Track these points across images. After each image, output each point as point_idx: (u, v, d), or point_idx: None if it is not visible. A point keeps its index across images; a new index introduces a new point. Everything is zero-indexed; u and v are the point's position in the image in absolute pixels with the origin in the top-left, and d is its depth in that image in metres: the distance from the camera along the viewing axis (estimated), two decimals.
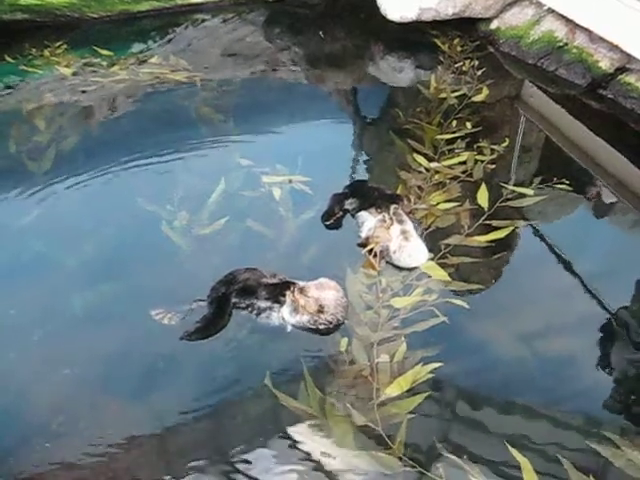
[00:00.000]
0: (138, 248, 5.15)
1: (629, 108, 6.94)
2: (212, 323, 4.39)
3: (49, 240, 5.22)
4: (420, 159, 6.09)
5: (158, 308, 4.47)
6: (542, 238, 5.32)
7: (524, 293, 4.82)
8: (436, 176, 5.87)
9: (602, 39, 7.48)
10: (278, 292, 4.45)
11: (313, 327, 4.36)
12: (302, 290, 4.42)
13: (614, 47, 7.34)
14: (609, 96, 7.19)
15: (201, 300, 4.53)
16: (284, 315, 4.40)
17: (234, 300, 4.47)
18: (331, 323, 4.35)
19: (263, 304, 4.44)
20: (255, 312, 4.45)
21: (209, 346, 4.28)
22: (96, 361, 4.18)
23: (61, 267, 4.92)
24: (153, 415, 3.88)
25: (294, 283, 4.48)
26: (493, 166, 6.06)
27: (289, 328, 4.40)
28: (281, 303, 4.42)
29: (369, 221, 5.15)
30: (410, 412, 3.80)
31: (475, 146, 6.33)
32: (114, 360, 4.20)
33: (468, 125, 6.68)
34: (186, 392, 4.00)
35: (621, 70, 7.26)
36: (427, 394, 3.91)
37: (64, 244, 5.16)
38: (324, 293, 4.41)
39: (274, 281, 4.52)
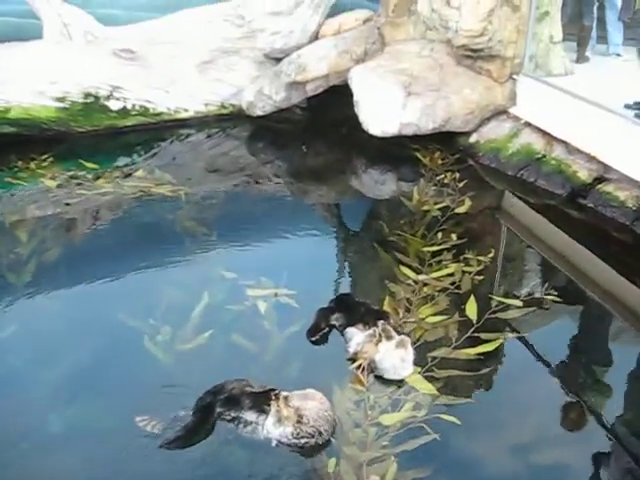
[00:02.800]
0: (119, 364, 5.00)
1: (609, 217, 7.05)
2: (193, 432, 4.28)
3: (26, 355, 5.07)
4: (407, 271, 6.08)
5: (143, 415, 4.35)
6: (531, 349, 5.25)
7: (515, 406, 4.72)
8: (424, 288, 5.84)
9: (579, 150, 7.68)
10: (263, 401, 4.33)
11: (296, 441, 4.20)
12: (286, 399, 4.29)
13: (591, 158, 7.53)
14: (589, 205, 7.31)
15: (186, 409, 4.41)
16: (268, 426, 4.26)
17: (219, 410, 4.36)
18: (312, 436, 4.18)
19: (248, 416, 4.31)
20: (241, 425, 4.32)
21: (192, 468, 4.09)
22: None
23: (38, 383, 4.76)
24: None
25: (278, 392, 4.35)
26: (480, 277, 6.05)
27: (274, 443, 4.24)
28: (266, 413, 4.28)
29: (357, 336, 5.07)
30: None
31: (462, 257, 6.34)
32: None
33: (453, 237, 6.71)
34: None
35: (599, 180, 7.42)
36: None
37: (42, 359, 5.01)
38: (306, 403, 4.29)
39: (258, 390, 4.42)
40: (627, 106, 7.32)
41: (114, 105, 9.31)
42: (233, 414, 4.35)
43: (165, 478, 4.06)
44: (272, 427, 4.26)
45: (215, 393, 4.45)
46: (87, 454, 4.18)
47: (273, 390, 4.37)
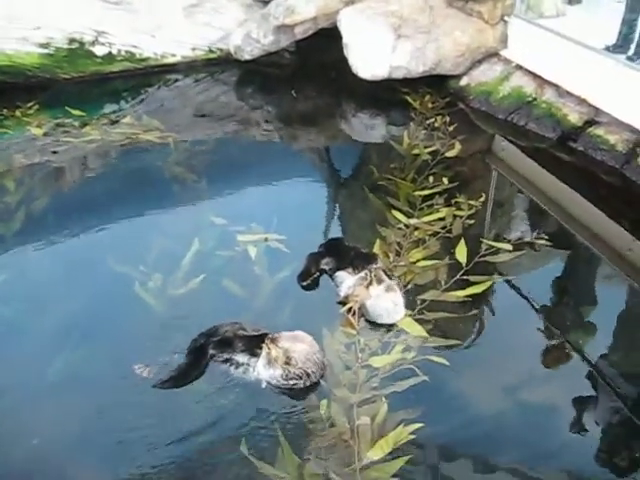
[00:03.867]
0: (111, 310, 5.03)
1: (599, 160, 7.05)
2: (186, 373, 4.35)
3: (18, 304, 5.09)
4: (398, 215, 6.10)
5: (139, 363, 4.40)
6: (519, 291, 5.29)
7: (503, 347, 4.78)
8: (415, 232, 5.86)
9: (570, 93, 7.63)
10: (255, 344, 4.38)
11: (285, 382, 4.27)
12: (274, 340, 4.36)
13: (582, 101, 7.49)
14: (579, 148, 7.30)
15: (180, 353, 4.47)
16: (259, 368, 4.33)
17: (212, 352, 4.41)
18: (300, 378, 4.26)
19: (240, 358, 4.37)
20: (233, 366, 4.38)
21: (185, 410, 4.17)
22: (69, 428, 4.06)
23: (31, 332, 4.79)
24: None
25: (269, 334, 4.42)
26: (471, 221, 6.07)
27: (264, 384, 4.31)
28: (257, 356, 4.34)
29: (348, 280, 5.09)
30: (393, 476, 3.70)
31: (453, 202, 6.36)
32: (87, 426, 4.07)
33: (444, 180, 6.72)
34: (161, 459, 3.86)
35: (590, 123, 7.39)
36: (409, 456, 3.81)
37: (34, 308, 5.03)
38: (295, 345, 4.36)
39: (251, 333, 4.46)
40: (606, 48, 7.28)
41: (99, 51, 9.15)
42: (226, 356, 4.40)
43: (158, 418, 4.11)
44: (262, 369, 4.32)
45: (209, 335, 4.49)
46: (81, 400, 4.23)
47: (266, 334, 4.42)
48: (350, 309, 4.87)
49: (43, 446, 3.92)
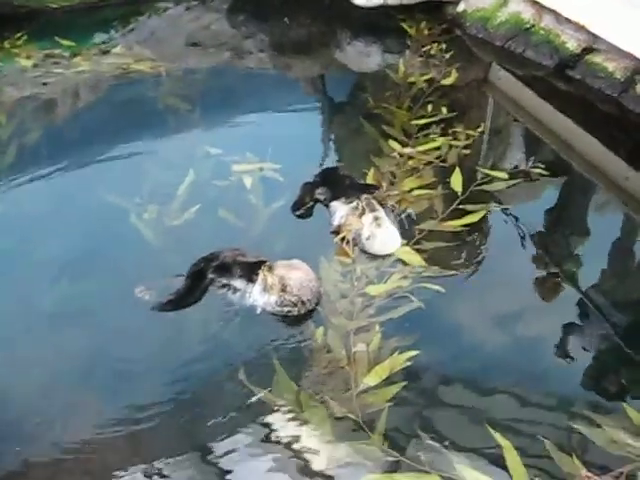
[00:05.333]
0: (108, 242, 5.03)
1: (596, 88, 6.96)
2: (185, 296, 4.40)
3: (14, 236, 5.11)
4: (393, 144, 6.05)
5: (140, 286, 4.45)
6: (515, 221, 5.30)
7: (499, 276, 4.81)
8: (409, 162, 5.83)
9: (568, 20, 7.49)
10: (252, 271, 4.42)
11: (279, 309, 4.32)
12: (270, 268, 4.40)
13: (580, 28, 7.36)
14: (577, 77, 7.20)
15: (180, 275, 4.52)
16: (255, 294, 4.37)
17: (211, 276, 4.45)
18: (295, 305, 4.30)
19: (238, 283, 4.41)
20: (230, 291, 4.43)
21: (183, 336, 4.24)
22: (69, 357, 4.11)
23: (28, 264, 4.79)
24: (128, 410, 3.78)
25: (267, 262, 4.45)
26: (467, 151, 6.03)
27: (259, 310, 4.36)
28: (254, 282, 4.39)
29: (341, 210, 5.10)
30: (389, 401, 3.76)
31: (450, 131, 6.30)
32: (88, 355, 4.11)
33: (440, 110, 6.64)
34: (160, 384, 3.92)
35: (588, 50, 7.27)
36: (405, 382, 3.87)
37: (30, 240, 5.03)
38: (290, 273, 4.39)
39: (249, 259, 4.49)
40: None
41: None
42: (224, 281, 4.45)
43: (156, 346, 4.18)
44: (258, 295, 4.36)
45: (209, 260, 4.53)
46: (79, 329, 4.28)
47: (264, 261, 4.45)
48: (344, 238, 4.87)
49: (42, 378, 3.98)
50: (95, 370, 4.04)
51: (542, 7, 7.84)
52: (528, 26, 7.87)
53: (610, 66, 6.97)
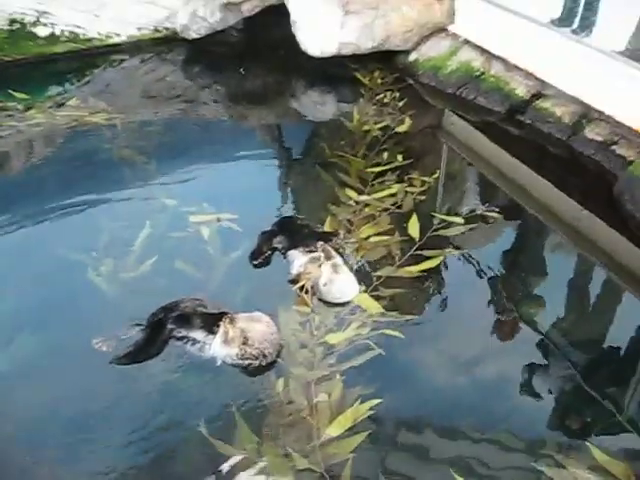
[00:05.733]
0: (64, 297, 4.96)
1: (546, 132, 7.14)
2: (143, 348, 4.35)
3: None
4: (349, 192, 6.11)
5: (98, 337, 4.40)
6: (472, 265, 5.35)
7: (458, 320, 4.84)
8: (366, 209, 5.87)
9: (517, 67, 7.71)
10: (213, 322, 4.38)
11: (240, 362, 4.28)
12: (232, 320, 4.36)
13: (529, 74, 7.58)
14: (527, 121, 7.38)
15: (139, 325, 4.48)
16: (215, 347, 4.33)
17: (170, 327, 4.41)
18: (257, 358, 4.27)
19: (198, 335, 4.37)
20: (189, 343, 4.38)
21: (142, 390, 4.16)
22: (22, 417, 4.00)
23: None
24: (86, 473, 3.69)
25: (228, 313, 4.41)
26: (423, 197, 6.10)
27: (219, 362, 4.31)
28: (215, 334, 4.35)
29: (299, 258, 5.10)
30: (353, 451, 3.73)
31: (406, 177, 6.38)
32: (43, 415, 4.02)
33: (395, 157, 6.73)
34: (119, 442, 3.83)
35: (537, 96, 7.48)
36: (369, 431, 3.85)
37: None
38: (251, 325, 4.36)
39: (210, 311, 4.46)
40: (552, 21, 7.37)
41: (42, 31, 8.96)
42: (183, 332, 4.41)
43: (114, 399, 4.11)
44: (219, 347, 4.32)
45: (168, 309, 4.50)
46: (33, 386, 4.19)
47: (225, 313, 4.42)
48: (302, 287, 4.87)
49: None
50: (50, 431, 3.94)
51: (491, 55, 8.06)
52: (478, 74, 8.06)
53: (558, 111, 7.16)
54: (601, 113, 6.76)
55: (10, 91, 7.98)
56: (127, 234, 5.52)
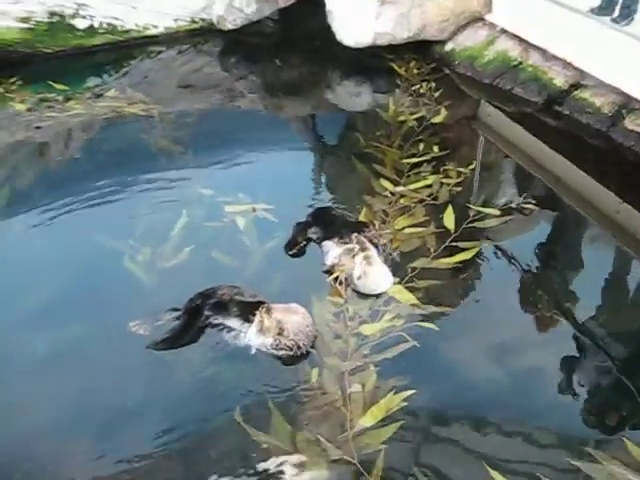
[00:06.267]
0: (101, 285, 5.01)
1: (585, 123, 7.04)
2: (180, 334, 4.40)
3: (8, 279, 5.09)
4: (385, 183, 6.10)
5: (135, 320, 4.48)
6: (508, 257, 5.32)
7: (492, 312, 4.83)
8: (401, 200, 5.86)
9: (555, 57, 7.61)
10: (249, 311, 4.42)
11: (274, 351, 4.32)
12: (268, 311, 4.39)
13: (567, 64, 7.48)
14: (565, 112, 7.28)
15: (176, 310, 4.54)
16: (250, 335, 4.36)
17: (207, 313, 4.46)
18: (291, 349, 4.30)
19: (234, 323, 4.42)
20: (225, 330, 4.43)
21: (178, 377, 4.21)
22: (62, 402, 4.07)
23: (22, 308, 4.77)
24: (122, 456, 3.74)
25: (265, 303, 4.44)
26: (458, 188, 6.08)
27: (253, 350, 4.35)
28: (251, 322, 4.38)
29: (333, 249, 5.11)
30: (386, 442, 3.74)
31: (442, 169, 6.35)
32: (81, 400, 4.09)
33: (431, 148, 6.71)
34: (155, 428, 3.89)
35: (575, 86, 7.38)
36: (402, 422, 3.86)
37: (22, 284, 5.01)
38: (287, 317, 4.38)
39: (247, 299, 4.49)
40: (591, 10, 7.26)
41: (80, 24, 9.04)
42: (220, 319, 4.45)
43: (151, 386, 4.18)
44: (254, 336, 4.36)
45: (206, 296, 4.54)
46: (72, 373, 4.26)
47: (261, 302, 4.45)
48: (337, 278, 4.88)
49: (35, 423, 3.94)
50: (88, 415, 4.00)
51: (529, 45, 7.96)
52: (516, 63, 7.98)
53: (597, 101, 7.06)
54: None
55: (50, 82, 8.10)
56: (164, 223, 5.59)
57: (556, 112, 7.36)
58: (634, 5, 6.96)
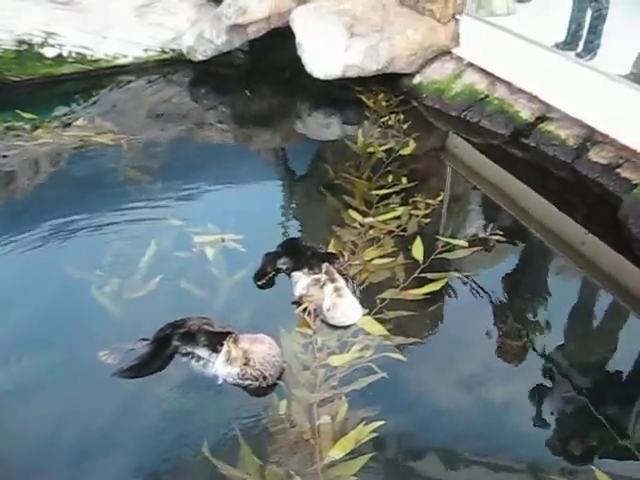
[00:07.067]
0: (69, 317, 4.97)
1: (550, 155, 7.16)
2: (147, 363, 4.38)
3: None
4: (354, 214, 6.12)
5: (104, 349, 4.45)
6: (476, 287, 5.35)
7: (461, 342, 4.84)
8: (370, 231, 5.89)
9: (521, 90, 7.75)
10: (217, 341, 4.40)
11: (240, 382, 4.30)
12: (235, 341, 4.38)
13: (533, 97, 7.61)
14: (531, 144, 7.40)
15: (146, 339, 4.51)
16: (217, 365, 4.35)
17: (176, 344, 4.44)
18: (257, 379, 4.28)
19: (202, 352, 4.41)
20: (194, 359, 4.42)
21: (146, 408, 4.18)
22: (25, 435, 4.01)
23: None
24: None
25: (233, 333, 4.42)
26: (427, 219, 6.12)
27: (220, 380, 4.33)
28: (218, 352, 4.37)
29: (302, 280, 5.11)
30: (356, 474, 3.73)
31: (410, 200, 6.40)
32: (44, 433, 4.03)
33: (400, 179, 6.76)
34: (121, 461, 3.85)
35: (541, 119, 7.51)
36: (372, 453, 3.85)
37: None
38: (254, 347, 4.37)
39: (215, 329, 4.48)
40: (556, 45, 7.42)
41: (49, 52, 9.03)
42: (189, 349, 4.44)
43: (117, 417, 4.12)
44: (221, 366, 4.34)
45: (175, 326, 4.53)
46: (37, 402, 4.20)
47: (229, 332, 4.44)
48: (305, 309, 4.88)
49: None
50: (54, 448, 3.94)
51: (496, 78, 8.11)
52: (482, 96, 8.10)
53: (563, 134, 7.19)
54: (605, 136, 6.79)
55: (18, 111, 8.04)
56: (132, 253, 5.55)
57: (523, 144, 7.47)
58: (597, 40, 7.12)
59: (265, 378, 4.28)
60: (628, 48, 6.59)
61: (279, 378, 4.35)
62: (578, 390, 4.41)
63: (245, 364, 4.28)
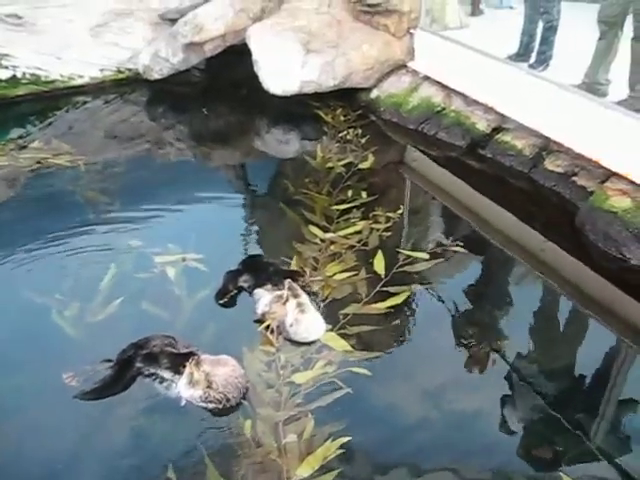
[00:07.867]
0: (30, 341, 4.86)
1: (507, 165, 7.26)
2: (109, 385, 4.33)
3: None
4: (314, 230, 6.13)
5: (68, 372, 4.40)
6: (438, 299, 5.39)
7: (425, 354, 4.86)
8: (331, 246, 5.89)
9: (477, 102, 7.85)
10: (180, 362, 4.35)
11: (204, 404, 4.26)
12: (198, 363, 4.33)
13: (489, 109, 7.71)
14: (488, 155, 7.50)
15: (110, 361, 4.46)
16: (180, 387, 4.30)
17: (139, 365, 4.40)
18: (220, 402, 4.24)
19: (165, 374, 4.36)
20: (157, 381, 4.37)
21: (110, 430, 4.11)
22: None
23: None
24: None
25: (195, 355, 4.38)
26: (388, 233, 6.14)
27: (183, 402, 4.28)
28: (181, 374, 4.32)
29: (265, 297, 5.08)
30: None
31: (371, 214, 6.42)
32: (10, 456, 3.97)
33: (359, 193, 6.78)
34: None
35: (497, 130, 7.63)
36: (339, 470, 3.83)
37: None
38: (216, 369, 4.33)
39: (178, 350, 4.44)
40: (509, 57, 7.55)
41: (3, 74, 8.95)
42: (151, 370, 4.40)
43: (79, 440, 4.06)
44: (183, 388, 4.29)
45: (137, 346, 4.49)
46: (3, 426, 4.16)
47: (192, 353, 4.40)
48: (268, 327, 4.85)
49: None
50: (16, 469, 3.88)
51: (451, 91, 8.21)
52: (439, 109, 8.20)
53: (519, 144, 7.30)
54: (560, 145, 6.90)
55: None
56: (92, 276, 5.48)
57: (480, 155, 7.57)
58: (549, 51, 7.25)
59: (228, 400, 4.24)
60: (579, 58, 6.70)
61: (243, 398, 4.31)
62: (542, 396, 4.44)
63: (208, 387, 4.23)
